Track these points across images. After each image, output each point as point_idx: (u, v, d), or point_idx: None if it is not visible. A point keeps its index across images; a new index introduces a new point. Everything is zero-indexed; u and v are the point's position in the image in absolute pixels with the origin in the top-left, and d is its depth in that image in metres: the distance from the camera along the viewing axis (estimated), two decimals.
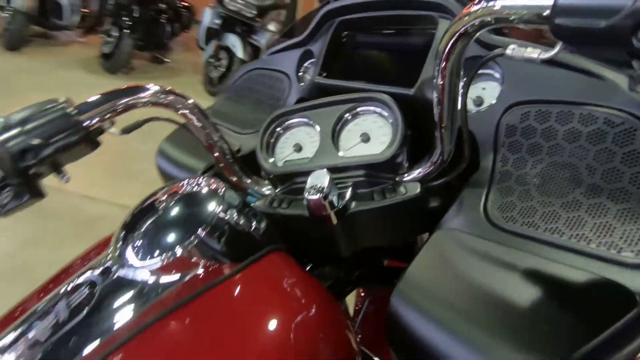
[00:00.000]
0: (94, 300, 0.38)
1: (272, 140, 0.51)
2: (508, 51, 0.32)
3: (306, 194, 0.40)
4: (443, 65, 0.36)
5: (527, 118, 0.40)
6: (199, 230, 0.38)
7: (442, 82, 0.37)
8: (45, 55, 4.12)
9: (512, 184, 0.39)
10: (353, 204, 0.42)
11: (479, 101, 0.45)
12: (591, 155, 0.36)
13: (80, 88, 3.23)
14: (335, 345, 0.41)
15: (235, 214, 0.41)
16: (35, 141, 0.36)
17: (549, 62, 0.36)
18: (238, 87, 0.68)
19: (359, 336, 0.59)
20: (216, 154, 0.49)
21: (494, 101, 0.43)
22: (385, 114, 0.46)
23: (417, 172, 0.43)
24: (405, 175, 0.43)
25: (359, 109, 0.47)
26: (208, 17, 3.80)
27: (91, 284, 0.39)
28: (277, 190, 0.49)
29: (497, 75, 0.45)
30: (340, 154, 0.46)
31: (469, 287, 0.34)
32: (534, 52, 0.31)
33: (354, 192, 0.43)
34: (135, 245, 0.39)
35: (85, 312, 0.38)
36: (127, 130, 0.43)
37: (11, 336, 0.38)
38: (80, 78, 3.68)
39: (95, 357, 0.33)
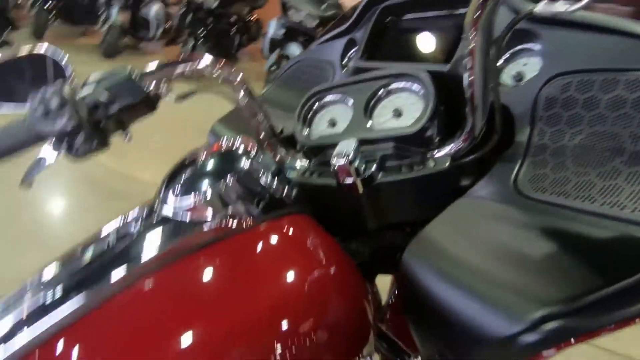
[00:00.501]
0: (136, 232, 0.45)
1: (309, 114, 0.52)
2: (537, 9, 0.33)
3: (333, 160, 0.41)
4: (473, 34, 0.36)
5: (568, 89, 0.39)
6: (229, 177, 0.43)
7: (472, 51, 0.37)
8: (134, 62, 4.67)
9: (547, 156, 0.38)
10: (380, 174, 0.42)
11: (519, 77, 0.44)
12: (636, 122, 0.34)
13: None
14: (349, 311, 0.40)
15: (266, 173, 0.46)
16: (104, 98, 0.42)
17: (592, 28, 0.37)
18: (286, 77, 0.71)
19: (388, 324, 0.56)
20: (260, 132, 0.51)
21: (534, 75, 0.42)
22: (419, 90, 0.45)
23: (448, 148, 0.42)
24: (436, 151, 0.43)
25: (393, 86, 0.47)
26: (273, 28, 4.06)
27: (136, 219, 0.48)
28: (310, 163, 0.51)
29: (538, 49, 0.44)
30: (372, 127, 0.46)
31: (486, 245, 0.34)
32: (563, 6, 0.31)
33: (382, 164, 0.43)
34: (175, 188, 0.46)
35: (128, 241, 0.45)
36: (181, 97, 0.48)
37: (74, 257, 0.44)
38: None
39: (125, 281, 0.37)
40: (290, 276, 0.38)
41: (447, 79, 0.45)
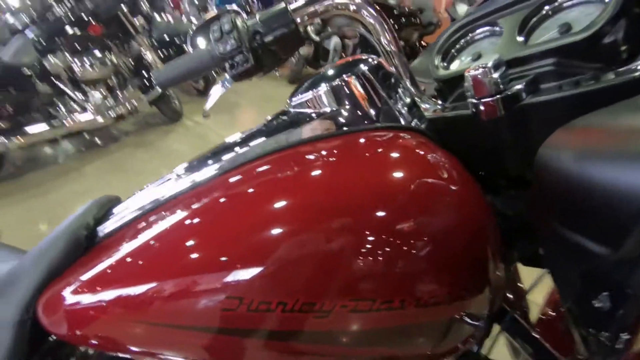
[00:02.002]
0: (257, 128, 0.51)
1: (452, 49, 0.51)
2: None
3: (469, 73, 0.38)
4: None
5: None
6: (344, 76, 0.46)
7: None
8: None
9: None
10: (528, 94, 0.36)
11: None
12: None
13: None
14: (465, 240, 0.39)
15: (397, 98, 0.47)
16: (262, 28, 0.50)
17: None
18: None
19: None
20: (399, 73, 0.51)
21: None
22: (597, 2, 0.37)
23: (637, 64, 0.33)
24: (619, 68, 0.34)
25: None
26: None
27: (269, 120, 0.53)
28: (444, 102, 0.50)
29: None
30: (526, 45, 0.40)
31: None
32: None
33: (533, 83, 0.37)
34: (300, 90, 0.51)
35: (251, 133, 0.50)
36: (318, 33, 0.54)
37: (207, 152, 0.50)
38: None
39: (244, 160, 0.42)
40: (401, 180, 0.38)
41: None
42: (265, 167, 0.41)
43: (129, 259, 0.42)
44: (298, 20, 0.49)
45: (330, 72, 0.50)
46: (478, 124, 0.40)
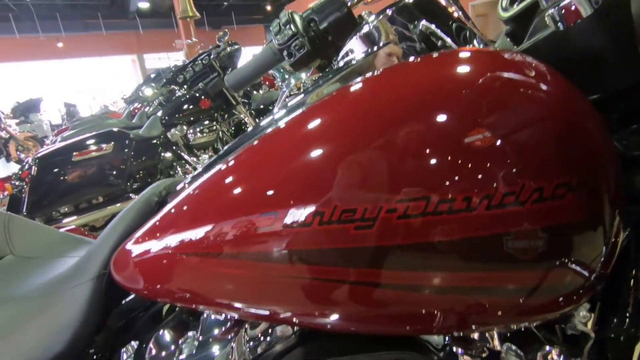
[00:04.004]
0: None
1: None
2: None
3: None
4: None
5: None
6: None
7: None
8: None
9: None
10: None
11: None
12: None
13: None
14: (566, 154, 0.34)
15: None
16: (316, 16, 0.54)
17: None
18: None
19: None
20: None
21: None
22: None
23: None
24: None
25: None
26: None
27: None
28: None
29: None
30: None
31: None
32: None
33: None
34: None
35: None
36: (381, 13, 0.54)
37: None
38: None
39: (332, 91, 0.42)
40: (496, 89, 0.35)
41: None
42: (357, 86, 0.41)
43: (185, 207, 0.45)
44: (349, 2, 0.53)
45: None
46: (566, 40, 0.37)
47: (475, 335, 0.41)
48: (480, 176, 0.33)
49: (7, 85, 14.36)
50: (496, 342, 0.42)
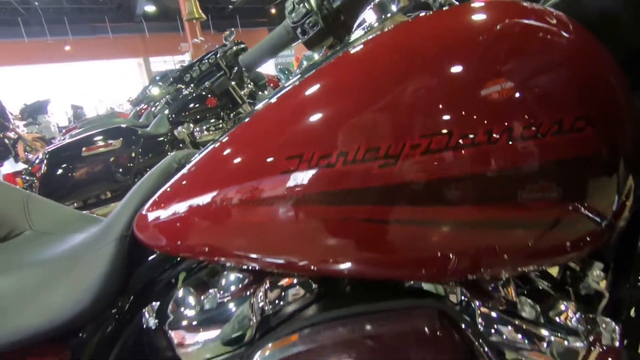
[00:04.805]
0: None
1: None
2: None
3: None
4: None
5: None
6: None
7: None
8: None
9: None
10: None
11: None
12: None
13: None
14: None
15: None
16: None
17: None
18: None
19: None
20: None
21: None
22: None
23: None
24: None
25: None
26: None
27: None
28: None
29: None
30: None
31: None
32: None
33: None
34: None
35: None
36: None
37: None
38: None
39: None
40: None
41: None
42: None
43: (206, 162, 0.46)
44: None
45: None
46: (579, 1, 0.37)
47: (491, 288, 0.42)
48: (501, 110, 0.34)
49: (16, 88, 14.52)
50: (512, 294, 0.43)
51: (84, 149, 2.43)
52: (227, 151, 0.44)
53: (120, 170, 2.65)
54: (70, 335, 0.54)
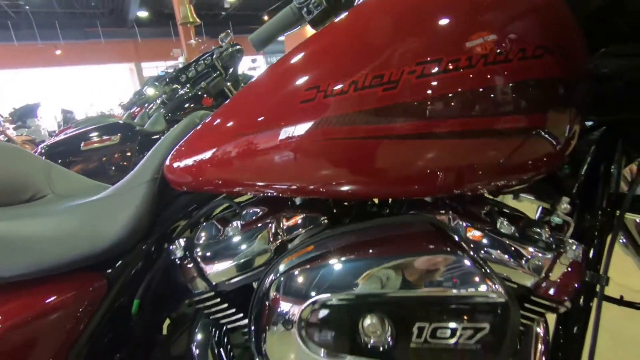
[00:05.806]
0: None
1: None
2: None
3: None
4: None
5: None
6: None
7: None
8: None
9: None
10: None
11: None
12: None
13: None
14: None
15: None
16: None
17: None
18: None
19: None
20: None
21: None
22: None
23: None
24: None
25: None
26: None
27: None
28: None
29: None
30: None
31: None
32: None
33: None
34: None
35: None
36: None
37: None
38: None
39: None
40: None
41: None
42: None
43: (230, 105, 0.53)
44: None
45: None
46: None
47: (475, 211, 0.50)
48: (479, 40, 0.42)
49: (5, 92, 14.38)
50: (496, 219, 0.51)
51: (82, 143, 2.47)
52: (247, 97, 0.51)
53: (118, 165, 2.69)
54: (107, 267, 0.61)
